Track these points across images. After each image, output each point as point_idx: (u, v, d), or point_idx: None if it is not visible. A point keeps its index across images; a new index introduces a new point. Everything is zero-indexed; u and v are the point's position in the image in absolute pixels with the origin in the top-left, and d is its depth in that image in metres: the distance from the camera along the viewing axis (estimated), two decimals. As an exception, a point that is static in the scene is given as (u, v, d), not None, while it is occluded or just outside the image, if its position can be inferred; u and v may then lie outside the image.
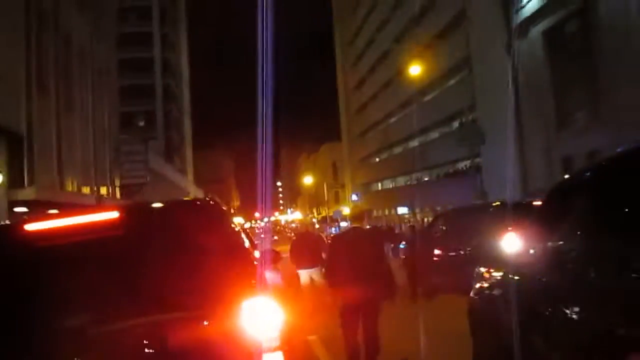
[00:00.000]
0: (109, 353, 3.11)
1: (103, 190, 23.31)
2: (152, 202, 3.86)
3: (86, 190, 22.00)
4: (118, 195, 25.74)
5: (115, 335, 3.14)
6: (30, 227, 3.45)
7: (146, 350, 3.15)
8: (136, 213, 3.81)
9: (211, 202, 3.87)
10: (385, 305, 6.32)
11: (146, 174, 26.34)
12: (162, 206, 3.78)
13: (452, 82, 36.11)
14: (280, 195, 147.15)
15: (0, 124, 16.12)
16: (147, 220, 3.63)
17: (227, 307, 3.22)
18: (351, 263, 5.83)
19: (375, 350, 5.93)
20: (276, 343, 3.24)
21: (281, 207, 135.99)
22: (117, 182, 26.06)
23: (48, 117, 19.26)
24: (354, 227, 6.41)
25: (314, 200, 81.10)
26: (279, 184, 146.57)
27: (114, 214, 3.51)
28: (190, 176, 60.93)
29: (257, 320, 3.23)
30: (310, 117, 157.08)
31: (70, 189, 21.22)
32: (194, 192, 46.97)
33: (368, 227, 15.71)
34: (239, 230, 4.03)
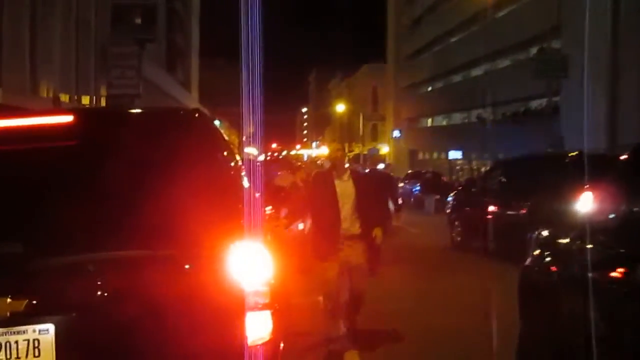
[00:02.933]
0: (50, 292, 3.08)
1: (85, 100, 23.46)
2: (119, 108, 3.83)
3: (65, 98, 22.14)
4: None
5: (60, 271, 3.13)
6: None
7: (98, 292, 3.13)
8: (97, 119, 3.74)
9: (198, 115, 3.73)
10: (403, 274, 6.68)
11: (138, 83, 26.29)
12: (133, 114, 3.70)
13: (533, -5, 34.96)
14: (305, 125, 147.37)
15: None
16: (111, 130, 3.54)
17: (205, 248, 3.21)
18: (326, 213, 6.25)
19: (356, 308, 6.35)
20: (264, 299, 3.22)
21: (305, 139, 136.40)
22: (103, 92, 26.15)
23: (20, 6, 19.24)
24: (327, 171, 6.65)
25: (346, 133, 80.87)
26: (304, 109, 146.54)
27: (68, 118, 3.46)
28: (195, 93, 61.08)
29: (241, 268, 3.20)
30: (348, 31, 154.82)
31: (45, 94, 21.39)
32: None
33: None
34: (235, 160, 3.94)
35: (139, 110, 3.78)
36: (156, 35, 33.17)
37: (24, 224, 3.20)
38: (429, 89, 57.28)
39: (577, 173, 6.97)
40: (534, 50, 32.47)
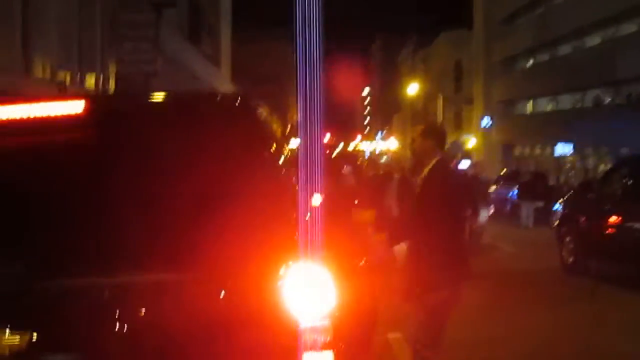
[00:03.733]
0: (54, 321, 3.25)
1: (90, 80, 24.07)
2: (142, 94, 4.02)
3: (65, 77, 22.82)
4: (113, 88, 26.55)
5: (69, 298, 3.28)
6: None
7: (113, 325, 3.28)
8: (114, 108, 3.86)
9: (240, 101, 3.81)
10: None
11: (156, 58, 26.80)
12: (158, 101, 3.83)
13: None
14: (367, 109, 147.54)
15: None
16: (130, 121, 3.66)
17: (248, 272, 3.29)
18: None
19: None
20: (324, 337, 3.28)
21: (367, 129, 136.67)
22: (113, 69, 26.79)
23: None
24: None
25: (421, 121, 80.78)
26: (365, 91, 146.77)
27: (77, 106, 3.58)
28: (227, 70, 61.82)
29: (295, 297, 3.28)
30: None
31: (40, 75, 22.04)
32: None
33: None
34: (288, 158, 4.03)
35: (166, 96, 3.87)
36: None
37: (24, 239, 3.37)
38: (530, 63, 56.91)
39: None
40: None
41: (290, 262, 3.28)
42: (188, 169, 3.49)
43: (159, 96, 3.94)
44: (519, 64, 58.94)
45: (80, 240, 3.35)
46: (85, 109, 3.58)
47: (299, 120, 3.71)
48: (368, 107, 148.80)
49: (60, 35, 24.39)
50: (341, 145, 37.52)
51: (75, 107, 3.60)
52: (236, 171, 3.51)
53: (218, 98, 4.17)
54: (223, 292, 3.33)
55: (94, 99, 3.78)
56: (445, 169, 6.29)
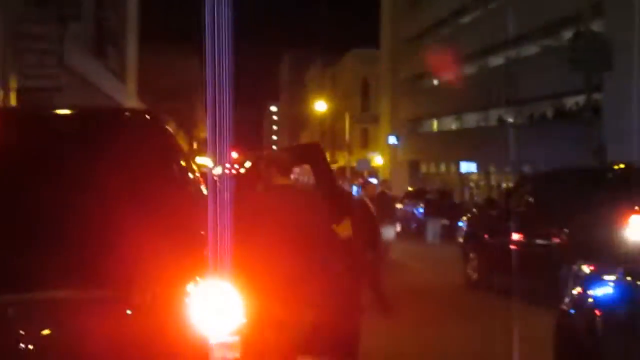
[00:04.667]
0: None
1: None
2: (48, 108, 4.01)
3: None
4: (14, 104, 25.90)
5: None
6: None
7: (17, 342, 3.23)
8: (19, 123, 3.85)
9: (149, 116, 3.86)
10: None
11: (60, 73, 26.25)
12: (66, 115, 3.82)
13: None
14: (274, 128, 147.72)
15: None
16: (34, 137, 3.65)
17: (155, 288, 3.29)
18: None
19: None
20: (233, 353, 3.31)
21: (274, 147, 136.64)
22: (14, 84, 26.14)
23: None
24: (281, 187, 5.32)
25: (329, 139, 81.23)
26: (273, 109, 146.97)
27: None
28: (132, 85, 60.95)
29: (203, 314, 3.29)
30: (332, 6, 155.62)
31: None
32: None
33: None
34: (195, 175, 4.06)
35: (74, 110, 3.89)
36: (82, 11, 33.25)
37: None
38: (435, 82, 57.74)
39: (624, 191, 7.12)
40: (568, 35, 32.97)
41: (199, 278, 3.30)
42: (94, 184, 3.48)
43: (74, 110, 3.94)
44: (425, 83, 59.86)
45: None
46: None
47: (207, 136, 3.86)
48: (275, 125, 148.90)
49: None
50: (248, 163, 37.30)
51: None
52: (145, 186, 3.52)
53: (127, 113, 4.23)
54: (129, 310, 3.30)
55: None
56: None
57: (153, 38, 75.10)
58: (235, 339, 3.32)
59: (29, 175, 3.47)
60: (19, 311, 3.27)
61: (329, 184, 6.36)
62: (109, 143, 3.62)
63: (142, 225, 3.35)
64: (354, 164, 55.56)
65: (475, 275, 15.11)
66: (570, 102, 34.75)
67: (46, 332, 3.27)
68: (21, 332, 3.24)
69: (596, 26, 30.49)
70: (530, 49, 40.23)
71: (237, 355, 3.30)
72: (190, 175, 3.93)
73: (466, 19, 49.36)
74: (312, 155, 6.44)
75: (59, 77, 27.12)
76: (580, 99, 29.96)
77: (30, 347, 3.23)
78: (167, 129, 3.99)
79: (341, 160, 65.53)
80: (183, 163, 3.87)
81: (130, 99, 48.33)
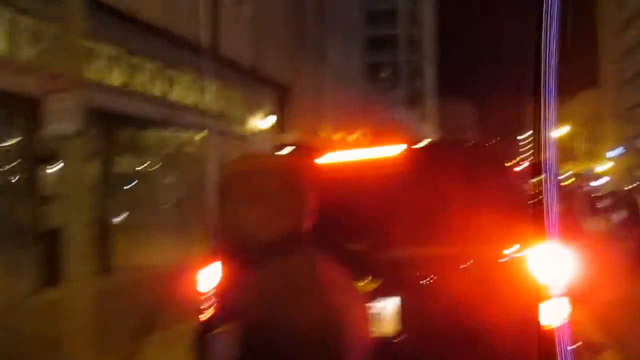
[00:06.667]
0: (387, 277, 3.81)
1: (352, 137, 28.32)
2: (427, 141, 4.83)
3: (337, 136, 27.20)
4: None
5: (396, 262, 3.88)
6: (321, 160, 4.29)
7: (423, 279, 3.78)
8: (414, 151, 4.43)
9: (487, 146, 4.71)
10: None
11: (390, 121, 30.89)
12: (439, 145, 4.68)
13: None
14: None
15: (271, 77, 20.40)
16: (426, 158, 4.31)
17: (515, 248, 3.64)
18: None
19: None
20: (562, 290, 3.44)
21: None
22: (364, 131, 30.81)
23: (306, 70, 23.99)
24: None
25: (565, 153, 79.28)
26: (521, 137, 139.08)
27: (399, 150, 4.20)
28: (430, 125, 64.57)
29: (544, 265, 3.42)
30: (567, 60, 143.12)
31: (323, 134, 26.47)
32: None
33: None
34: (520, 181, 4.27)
35: (442, 143, 4.87)
36: (400, 83, 38.17)
37: (368, 230, 3.97)
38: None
39: None
40: None
41: (535, 242, 3.20)
42: (471, 187, 3.91)
43: (442, 144, 4.92)
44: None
45: (398, 229, 3.87)
46: (404, 152, 4.17)
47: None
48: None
49: (333, 111, 28.59)
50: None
51: (398, 150, 4.19)
52: (495, 185, 3.98)
53: (476, 145, 4.78)
54: (500, 260, 3.67)
55: (408, 146, 4.31)
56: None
57: (446, 95, 77.18)
58: (565, 281, 3.48)
59: (420, 183, 4.00)
60: (423, 261, 3.80)
61: None
62: (471, 162, 4.13)
63: (502, 209, 3.73)
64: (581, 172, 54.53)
65: None
66: None
67: (437, 274, 3.78)
68: (424, 272, 3.78)
69: None
70: None
71: (569, 310, 3.36)
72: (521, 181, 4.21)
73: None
74: None
75: (387, 124, 31.68)
76: None
77: (428, 282, 3.77)
78: (496, 152, 4.52)
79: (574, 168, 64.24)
80: (506, 171, 4.31)
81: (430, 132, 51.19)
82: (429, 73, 68.80)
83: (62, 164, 5.98)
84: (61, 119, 5.18)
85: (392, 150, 4.22)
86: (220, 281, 3.63)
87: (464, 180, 3.90)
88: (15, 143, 10.43)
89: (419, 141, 4.67)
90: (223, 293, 1.59)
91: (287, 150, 4.45)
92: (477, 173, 4.04)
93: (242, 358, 1.43)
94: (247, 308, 1.49)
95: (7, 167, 10.30)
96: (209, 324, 1.42)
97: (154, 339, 7.30)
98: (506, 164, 4.29)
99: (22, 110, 9.97)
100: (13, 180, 10.39)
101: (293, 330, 1.40)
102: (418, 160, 4.22)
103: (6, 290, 9.02)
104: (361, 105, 31.24)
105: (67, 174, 5.63)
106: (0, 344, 7.49)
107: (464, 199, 3.84)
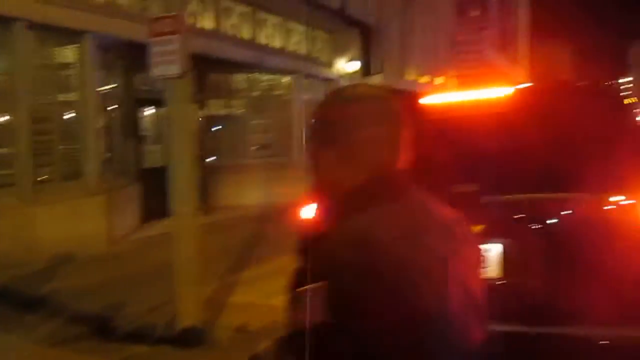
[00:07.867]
0: (495, 220, 3.76)
1: (439, 80, 28.11)
2: (537, 85, 4.89)
3: (423, 79, 27.02)
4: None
5: (505, 205, 3.88)
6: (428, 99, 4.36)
7: (535, 223, 3.76)
8: (526, 92, 4.41)
9: (609, 86, 4.36)
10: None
11: (480, 64, 30.18)
12: (556, 88, 4.46)
13: None
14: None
15: (355, 17, 19.93)
16: (540, 99, 4.24)
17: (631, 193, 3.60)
18: None
19: None
20: None
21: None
22: (451, 73, 30.47)
23: (393, 10, 23.41)
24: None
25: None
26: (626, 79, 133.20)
27: (509, 92, 4.15)
28: (523, 69, 62.82)
29: None
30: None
31: (409, 77, 26.27)
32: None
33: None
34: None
35: (560, 85, 4.80)
36: (490, 23, 37.25)
37: (479, 171, 3.94)
38: None
39: None
40: None
41: None
42: (584, 131, 3.82)
43: (560, 85, 4.77)
44: None
45: (514, 172, 3.80)
46: (514, 93, 4.12)
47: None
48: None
49: (421, 53, 28.45)
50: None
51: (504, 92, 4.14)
52: (617, 129, 3.89)
53: (599, 85, 4.54)
54: (624, 202, 3.56)
55: (521, 88, 4.32)
56: None
57: (540, 37, 75.78)
58: None
59: (536, 126, 3.87)
60: (537, 204, 3.75)
61: None
62: (589, 104, 4.03)
63: (625, 152, 3.69)
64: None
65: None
66: None
67: (553, 218, 3.70)
68: (536, 216, 3.73)
69: None
70: None
71: None
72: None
73: None
74: None
75: (479, 66, 31.12)
76: None
77: (543, 225, 3.70)
78: (619, 92, 4.34)
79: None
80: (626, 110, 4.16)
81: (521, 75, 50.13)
82: (523, 13, 66.52)
83: (165, 107, 6.13)
84: (167, 62, 5.39)
85: (504, 91, 4.11)
86: (314, 227, 3.28)
87: (582, 122, 3.85)
88: (118, 86, 11.12)
89: (517, 85, 4.50)
90: (317, 241, 1.39)
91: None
92: (597, 114, 3.90)
93: (339, 315, 1.29)
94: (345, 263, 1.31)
95: (111, 108, 10.99)
96: (301, 275, 1.33)
97: (254, 272, 7.70)
98: (626, 103, 4.15)
99: (126, 55, 10.70)
100: (117, 121, 11.10)
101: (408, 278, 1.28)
102: (531, 102, 4.12)
103: (116, 222, 9.91)
104: (449, 47, 30.74)
105: (172, 115, 5.85)
106: (115, 270, 8.11)
107: (582, 142, 3.79)
